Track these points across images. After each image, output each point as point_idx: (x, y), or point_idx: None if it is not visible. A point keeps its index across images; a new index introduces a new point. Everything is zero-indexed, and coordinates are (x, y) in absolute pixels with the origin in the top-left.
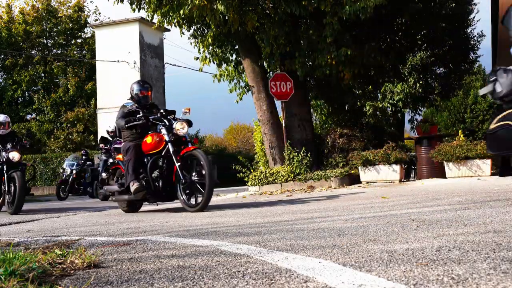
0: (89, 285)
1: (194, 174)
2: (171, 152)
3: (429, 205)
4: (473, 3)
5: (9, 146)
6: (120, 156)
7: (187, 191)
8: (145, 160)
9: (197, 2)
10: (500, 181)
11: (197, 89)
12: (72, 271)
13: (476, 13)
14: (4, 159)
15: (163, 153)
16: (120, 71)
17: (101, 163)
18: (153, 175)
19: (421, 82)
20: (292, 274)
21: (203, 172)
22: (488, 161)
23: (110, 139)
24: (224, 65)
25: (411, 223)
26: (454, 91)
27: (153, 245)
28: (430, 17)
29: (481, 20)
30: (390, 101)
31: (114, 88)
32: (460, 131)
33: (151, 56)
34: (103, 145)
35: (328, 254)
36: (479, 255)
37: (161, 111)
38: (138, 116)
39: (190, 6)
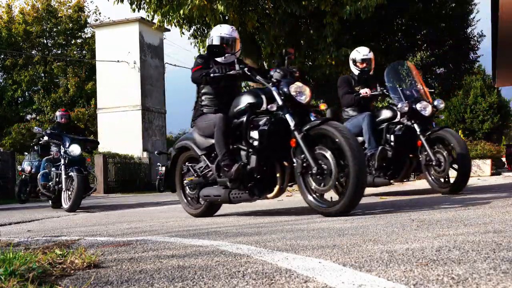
0: (89, 285)
1: None
2: None
3: (429, 205)
4: (473, 3)
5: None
6: None
7: None
8: None
9: (197, 2)
10: (500, 181)
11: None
12: (72, 271)
13: (476, 13)
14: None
15: None
16: (120, 71)
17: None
18: None
19: None
20: (292, 274)
21: None
22: (488, 161)
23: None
24: None
25: (411, 223)
26: (454, 91)
27: (153, 245)
28: (430, 17)
29: (481, 20)
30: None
31: (114, 88)
32: (460, 131)
33: (151, 56)
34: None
35: (328, 254)
36: (479, 255)
37: None
38: None
39: (190, 6)
